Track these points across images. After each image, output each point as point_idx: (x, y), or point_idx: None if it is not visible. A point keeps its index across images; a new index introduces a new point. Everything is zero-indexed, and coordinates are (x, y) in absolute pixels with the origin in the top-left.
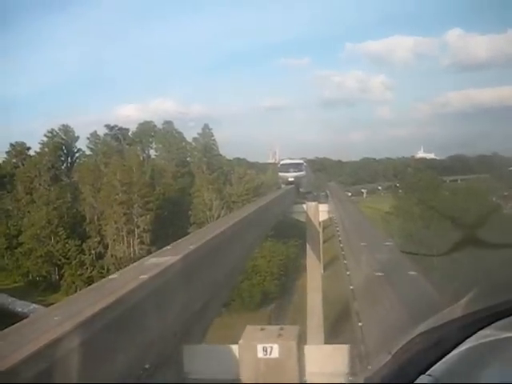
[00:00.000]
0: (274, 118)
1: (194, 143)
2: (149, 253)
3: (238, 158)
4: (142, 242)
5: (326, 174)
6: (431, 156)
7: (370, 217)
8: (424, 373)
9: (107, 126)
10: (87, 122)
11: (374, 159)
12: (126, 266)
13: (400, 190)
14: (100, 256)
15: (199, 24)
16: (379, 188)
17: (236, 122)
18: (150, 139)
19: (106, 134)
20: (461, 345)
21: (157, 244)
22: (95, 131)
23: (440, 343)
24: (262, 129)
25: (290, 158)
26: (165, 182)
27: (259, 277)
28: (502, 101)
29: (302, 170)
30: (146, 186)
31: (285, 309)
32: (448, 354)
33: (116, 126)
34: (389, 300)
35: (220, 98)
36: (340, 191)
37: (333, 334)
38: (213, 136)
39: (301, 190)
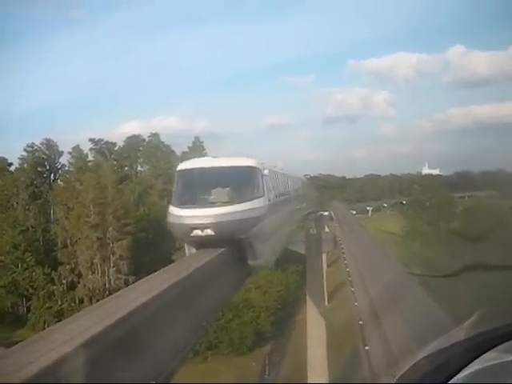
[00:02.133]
0: (277, 134)
1: (183, 158)
2: (126, 283)
3: None
4: (118, 271)
5: (330, 190)
6: (437, 172)
7: (380, 239)
8: None
9: (92, 140)
10: (86, 138)
11: (379, 176)
12: (99, 300)
13: (408, 208)
14: (72, 286)
15: (203, 42)
16: (385, 205)
17: (240, 139)
18: (138, 154)
19: (91, 149)
20: (466, 368)
21: (136, 273)
22: (78, 145)
23: (445, 366)
24: (266, 145)
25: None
26: (150, 201)
27: (252, 313)
28: (503, 117)
29: (258, 195)
30: (122, 206)
31: (282, 351)
32: (453, 377)
33: (102, 139)
34: None
35: (224, 114)
36: (346, 211)
37: None
38: (204, 150)
39: (256, 263)
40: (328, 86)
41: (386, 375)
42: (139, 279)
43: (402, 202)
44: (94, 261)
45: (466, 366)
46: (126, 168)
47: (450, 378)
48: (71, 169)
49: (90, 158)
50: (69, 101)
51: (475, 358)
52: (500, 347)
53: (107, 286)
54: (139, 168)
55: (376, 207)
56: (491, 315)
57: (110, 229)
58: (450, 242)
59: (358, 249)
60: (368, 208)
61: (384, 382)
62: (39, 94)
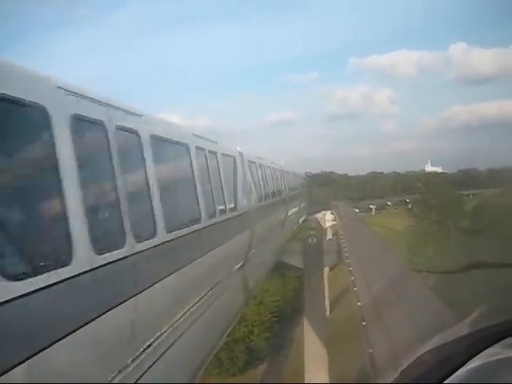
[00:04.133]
0: (280, 132)
1: None
2: None
3: None
4: None
5: (332, 188)
6: (439, 170)
7: (386, 240)
8: None
9: None
10: None
11: (382, 173)
12: None
13: (414, 207)
14: None
15: (206, 40)
16: (388, 203)
17: (242, 136)
18: None
19: None
20: (468, 362)
21: None
22: None
23: (448, 361)
24: (268, 143)
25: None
26: None
27: (244, 328)
28: (507, 114)
29: None
30: None
31: (278, 372)
32: (456, 371)
33: None
34: None
35: (226, 112)
36: (350, 211)
37: None
38: None
39: None
40: (330, 83)
41: (389, 370)
42: None
43: (406, 200)
44: None
45: (468, 360)
46: None
47: (453, 373)
48: None
49: None
50: None
51: (478, 353)
52: (503, 342)
53: None
54: None
55: (379, 205)
56: (494, 310)
57: None
58: (458, 240)
59: (364, 253)
60: (371, 206)
61: (387, 377)
62: None
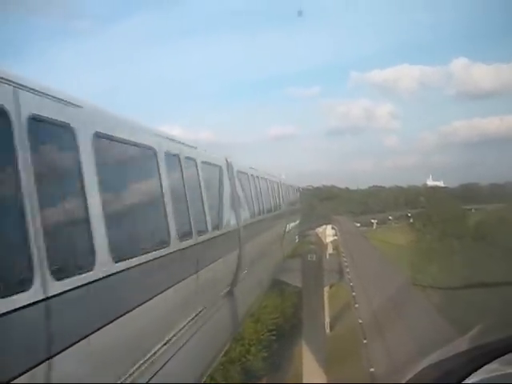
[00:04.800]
0: (281, 145)
1: None
2: None
3: None
4: None
5: (333, 202)
6: (441, 184)
7: (387, 255)
8: None
9: None
10: None
11: (383, 187)
12: None
13: (416, 221)
14: None
15: (209, 53)
16: (390, 218)
17: (244, 150)
18: None
19: None
20: (468, 378)
21: None
22: None
23: (447, 376)
24: (270, 156)
25: None
26: None
27: (241, 347)
28: (508, 129)
29: None
30: None
31: None
32: None
33: None
34: None
35: (228, 125)
36: (352, 226)
37: None
38: None
39: None
40: (332, 97)
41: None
42: None
43: (407, 215)
44: None
45: (468, 376)
46: None
47: None
48: None
49: None
50: None
51: (477, 369)
52: (502, 358)
53: None
54: None
55: (381, 220)
56: (494, 326)
57: None
58: (460, 256)
59: (366, 269)
60: (372, 221)
61: None
62: None
